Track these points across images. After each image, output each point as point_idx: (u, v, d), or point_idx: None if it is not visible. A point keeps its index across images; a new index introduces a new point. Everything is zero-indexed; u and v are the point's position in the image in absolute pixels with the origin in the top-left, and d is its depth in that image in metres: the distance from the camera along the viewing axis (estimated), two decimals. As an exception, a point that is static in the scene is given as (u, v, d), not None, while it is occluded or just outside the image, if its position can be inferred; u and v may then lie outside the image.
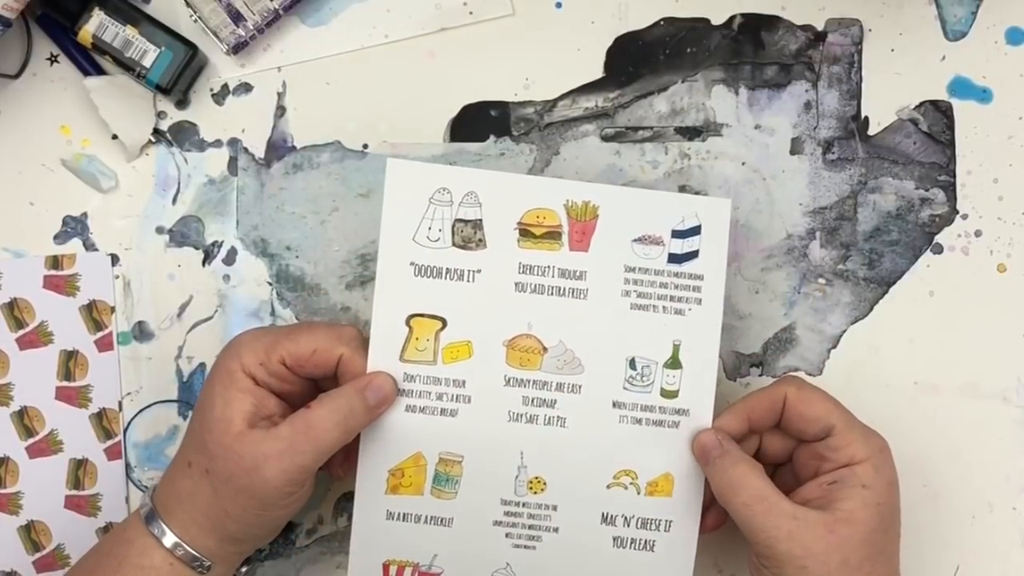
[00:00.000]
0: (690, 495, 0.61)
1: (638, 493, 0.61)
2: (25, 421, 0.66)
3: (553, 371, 0.60)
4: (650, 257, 0.60)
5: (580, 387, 0.61)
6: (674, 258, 0.60)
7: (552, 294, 0.60)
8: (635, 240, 0.60)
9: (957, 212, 0.66)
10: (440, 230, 0.60)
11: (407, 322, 0.60)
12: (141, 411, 0.67)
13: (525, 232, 0.60)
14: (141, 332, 0.67)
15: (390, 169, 0.59)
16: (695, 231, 0.60)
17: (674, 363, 0.60)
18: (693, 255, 0.60)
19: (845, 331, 0.66)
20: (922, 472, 0.66)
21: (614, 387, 0.61)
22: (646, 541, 0.61)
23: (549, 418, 0.61)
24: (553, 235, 0.60)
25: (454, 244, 0.60)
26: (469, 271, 0.60)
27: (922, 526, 0.65)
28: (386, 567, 0.62)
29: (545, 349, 0.60)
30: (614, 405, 0.61)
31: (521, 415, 0.61)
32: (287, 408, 0.59)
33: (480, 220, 0.60)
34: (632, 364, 0.61)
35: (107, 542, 0.59)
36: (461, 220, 0.60)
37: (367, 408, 0.58)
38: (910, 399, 0.66)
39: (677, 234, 0.60)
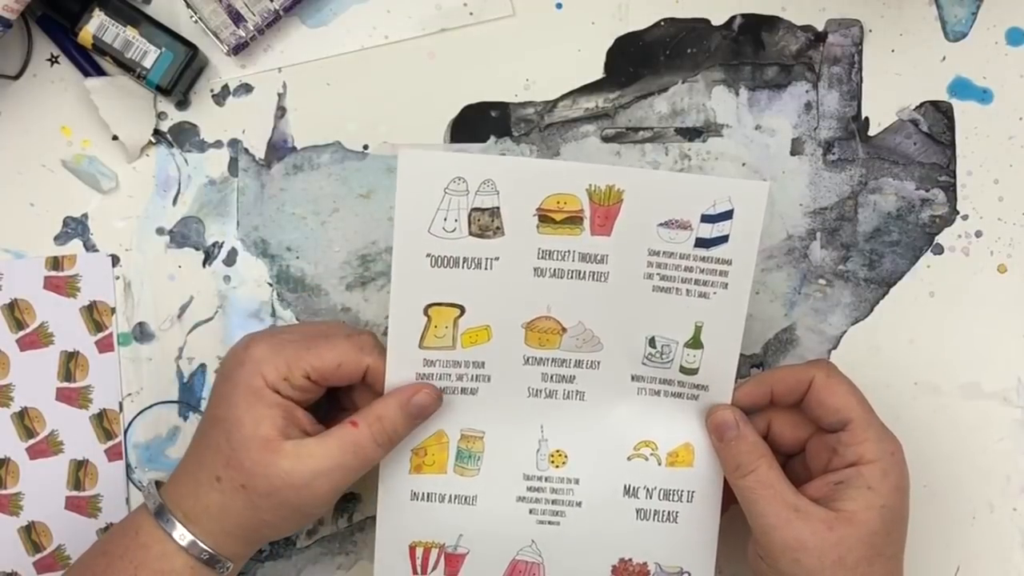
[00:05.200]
0: (711, 465, 0.61)
1: (659, 464, 0.61)
2: (25, 422, 0.66)
3: (572, 349, 0.60)
4: (676, 241, 0.59)
5: (598, 363, 0.60)
6: (702, 243, 0.59)
7: (572, 278, 0.59)
8: (661, 224, 0.58)
9: (957, 213, 0.66)
10: (456, 220, 0.58)
11: (425, 311, 0.59)
12: (142, 412, 0.67)
13: (545, 218, 0.58)
14: (141, 333, 0.67)
15: (402, 160, 0.57)
16: (727, 215, 0.58)
17: (695, 343, 0.60)
18: (722, 240, 0.59)
19: (845, 332, 0.66)
20: (922, 472, 0.65)
21: (633, 362, 0.61)
22: (669, 512, 0.61)
23: (568, 392, 0.61)
24: (574, 220, 0.58)
25: (471, 233, 0.58)
26: (487, 259, 0.59)
27: (922, 526, 0.65)
28: (412, 549, 0.62)
29: (564, 329, 0.60)
30: (632, 378, 0.61)
31: (540, 391, 0.61)
32: (312, 419, 0.59)
33: (497, 208, 0.58)
34: (652, 342, 0.60)
35: (115, 543, 0.58)
36: (478, 209, 0.58)
37: (409, 422, 0.59)
38: (910, 399, 0.66)
39: (707, 218, 0.58)
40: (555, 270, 0.59)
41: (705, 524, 0.61)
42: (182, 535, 0.57)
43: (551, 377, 0.61)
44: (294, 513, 0.58)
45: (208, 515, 0.57)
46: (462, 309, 0.59)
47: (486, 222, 0.58)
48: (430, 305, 0.59)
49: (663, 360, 0.60)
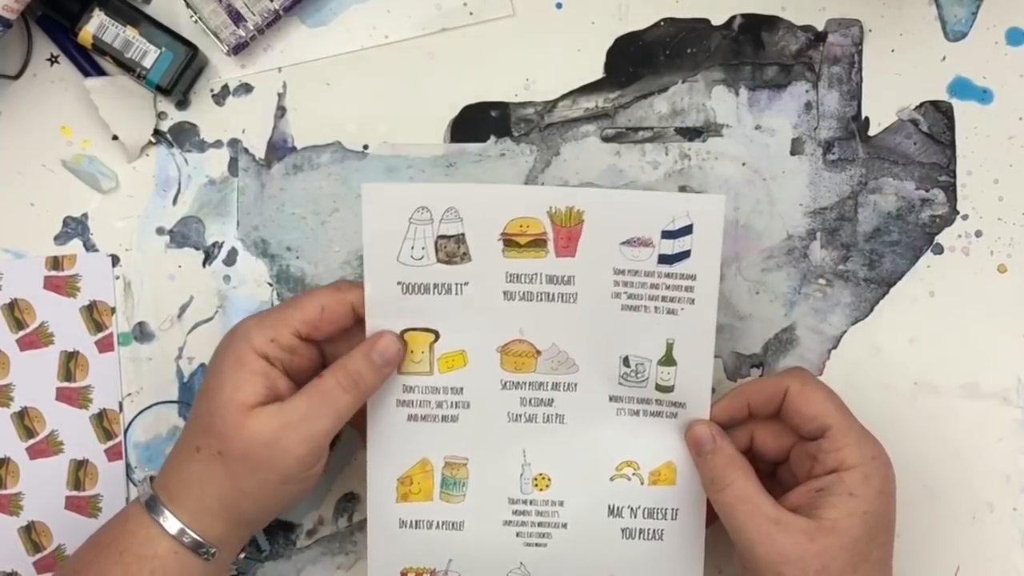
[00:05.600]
0: (694, 482, 0.61)
1: (641, 483, 0.61)
2: (25, 422, 0.66)
3: (548, 372, 0.61)
4: (639, 259, 0.59)
5: (576, 385, 0.61)
6: (665, 259, 0.59)
7: (541, 300, 0.60)
8: (623, 243, 0.59)
9: (957, 212, 0.66)
10: (423, 248, 0.59)
11: (400, 337, 0.60)
12: (142, 412, 0.67)
13: (510, 242, 0.59)
14: (141, 333, 0.67)
15: (365, 194, 0.59)
16: (687, 230, 0.59)
17: (668, 360, 0.60)
18: (684, 255, 0.59)
19: (845, 331, 0.66)
20: (922, 472, 0.66)
21: (609, 383, 0.61)
22: (654, 530, 0.62)
23: (548, 416, 0.61)
24: (538, 243, 0.59)
25: (439, 260, 0.59)
26: (457, 284, 0.60)
27: (922, 526, 0.65)
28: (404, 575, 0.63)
29: (538, 352, 0.60)
30: (610, 399, 0.61)
31: (520, 415, 0.61)
32: (295, 389, 0.59)
33: (463, 234, 0.59)
34: (626, 362, 0.61)
35: (106, 533, 0.59)
36: (444, 236, 0.59)
37: (375, 369, 0.59)
38: (910, 399, 0.66)
39: (667, 234, 0.59)
40: (524, 293, 0.60)
41: (690, 540, 0.62)
42: (165, 518, 0.57)
43: (530, 401, 0.61)
44: (271, 476, 0.57)
45: (188, 491, 0.57)
46: (437, 334, 0.60)
47: (452, 249, 0.59)
48: (405, 331, 0.60)
49: (638, 379, 0.61)
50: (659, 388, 0.61)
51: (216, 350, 0.59)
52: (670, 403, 0.61)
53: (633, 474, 0.61)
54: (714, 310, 0.60)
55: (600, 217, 0.59)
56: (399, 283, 0.59)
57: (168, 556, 0.57)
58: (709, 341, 0.60)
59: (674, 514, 0.62)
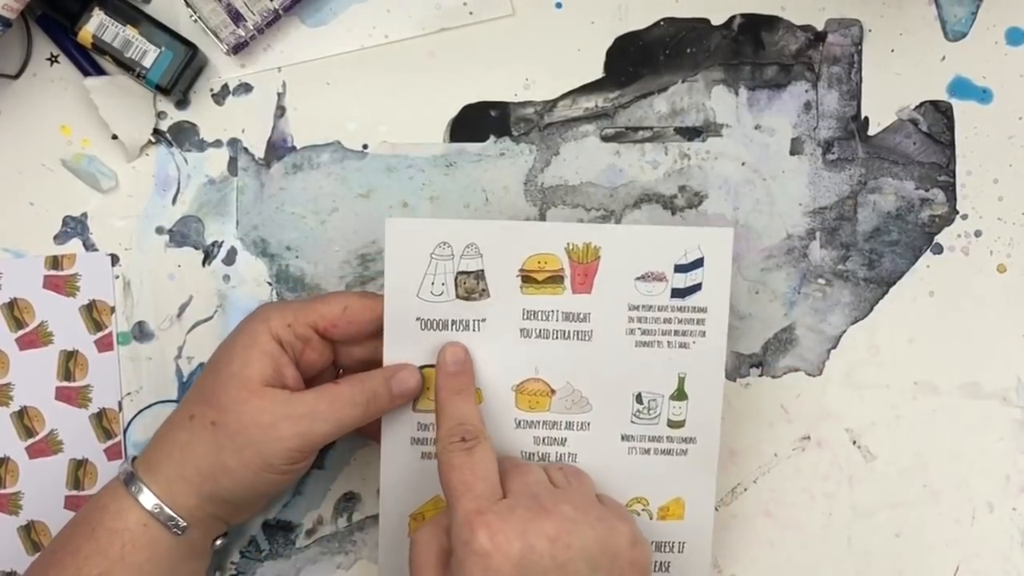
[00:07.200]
0: (701, 516, 0.61)
1: (651, 518, 0.62)
2: (25, 421, 0.66)
3: (562, 411, 0.61)
4: (653, 294, 0.60)
5: (589, 424, 0.61)
6: (677, 293, 0.60)
7: (557, 338, 0.60)
8: (638, 278, 0.60)
9: (957, 212, 0.66)
10: (443, 284, 0.59)
11: (421, 373, 0.60)
12: (141, 411, 0.67)
13: (527, 279, 0.60)
14: (141, 332, 0.67)
15: (389, 228, 0.59)
16: (698, 263, 0.60)
17: (680, 395, 0.61)
18: (696, 288, 0.60)
19: (845, 331, 0.66)
20: (922, 472, 0.66)
21: (622, 422, 0.61)
22: (661, 563, 0.62)
23: (560, 455, 0.61)
24: (555, 279, 0.60)
25: (458, 296, 0.59)
26: (474, 321, 0.60)
27: (922, 526, 0.65)
28: None
29: (553, 391, 0.61)
30: (623, 438, 0.61)
31: (533, 454, 0.61)
32: (301, 383, 0.59)
33: (482, 271, 0.59)
34: (639, 399, 0.61)
35: (82, 511, 0.59)
36: (464, 272, 0.59)
37: (390, 396, 0.59)
38: (910, 399, 0.66)
39: (680, 268, 0.60)
40: (540, 330, 0.60)
41: (696, 570, 0.62)
42: (140, 491, 0.57)
43: (543, 440, 0.61)
44: (256, 458, 0.57)
45: (169, 458, 0.58)
46: None
47: (472, 285, 0.59)
48: (422, 367, 0.60)
49: (651, 416, 0.61)
50: (671, 424, 0.61)
51: (234, 329, 0.60)
52: (680, 439, 0.61)
53: (643, 510, 0.62)
54: (724, 341, 0.60)
55: (615, 252, 0.59)
56: (418, 319, 0.60)
57: (137, 529, 0.57)
58: (719, 372, 0.61)
59: (681, 547, 0.62)
